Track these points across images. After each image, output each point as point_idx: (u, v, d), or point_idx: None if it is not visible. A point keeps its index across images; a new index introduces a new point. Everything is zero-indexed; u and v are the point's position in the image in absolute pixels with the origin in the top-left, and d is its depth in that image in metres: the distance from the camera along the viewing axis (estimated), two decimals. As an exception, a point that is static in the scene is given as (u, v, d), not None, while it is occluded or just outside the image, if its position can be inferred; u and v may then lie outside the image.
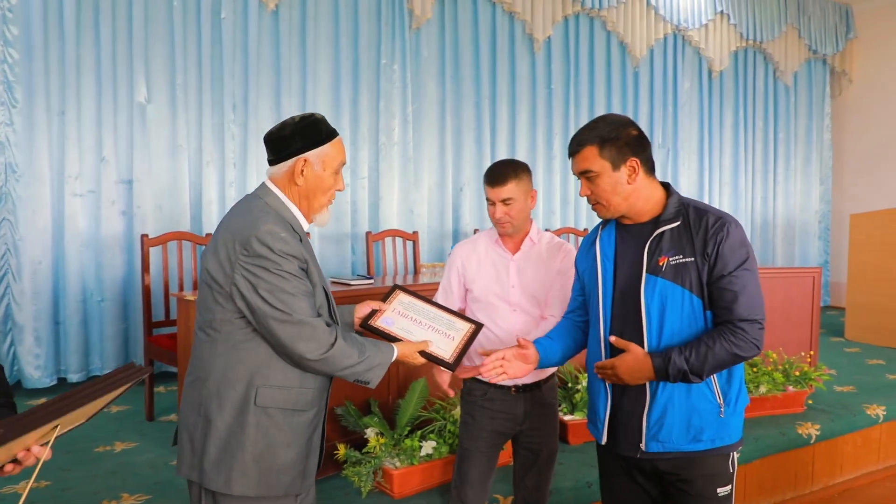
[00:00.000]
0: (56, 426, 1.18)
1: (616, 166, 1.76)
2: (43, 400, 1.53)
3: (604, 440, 1.86)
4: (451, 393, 2.26)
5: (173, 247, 4.17)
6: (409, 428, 2.97)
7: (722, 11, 7.40)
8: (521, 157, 6.24)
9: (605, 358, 1.82)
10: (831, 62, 8.46)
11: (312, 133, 1.75)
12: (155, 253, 4.18)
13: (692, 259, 1.72)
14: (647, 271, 1.75)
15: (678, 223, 1.76)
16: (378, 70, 5.47)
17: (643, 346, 1.74)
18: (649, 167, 1.81)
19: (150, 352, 3.87)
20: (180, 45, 4.64)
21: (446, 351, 1.95)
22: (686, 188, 7.36)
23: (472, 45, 5.94)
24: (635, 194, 1.78)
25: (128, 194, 4.55)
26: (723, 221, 1.73)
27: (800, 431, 3.72)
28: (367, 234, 5.05)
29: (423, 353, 1.89)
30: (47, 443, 1.21)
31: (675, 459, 1.77)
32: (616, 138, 1.76)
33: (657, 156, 7.16)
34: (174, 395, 4.29)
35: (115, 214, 4.50)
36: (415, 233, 5.32)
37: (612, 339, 1.78)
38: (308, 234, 1.90)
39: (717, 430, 1.76)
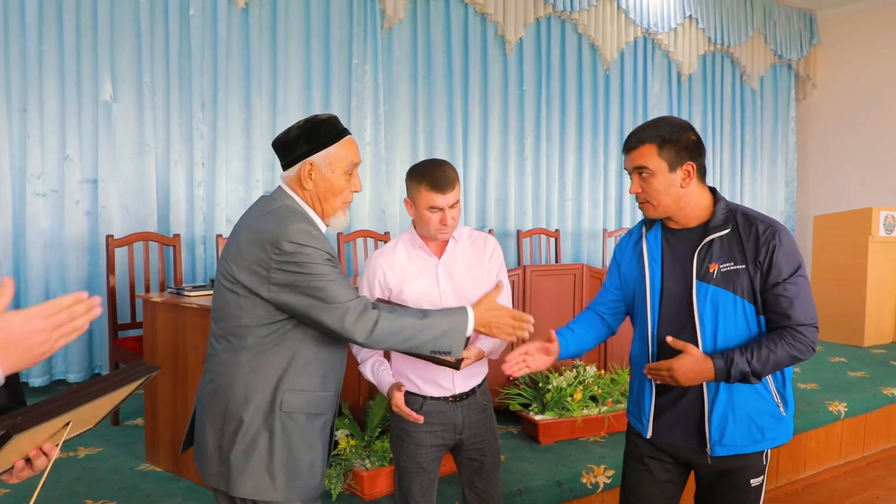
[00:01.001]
0: (68, 424, 1.16)
1: (673, 168, 1.78)
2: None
3: (649, 434, 1.90)
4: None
5: (139, 248, 4.10)
6: (379, 429, 2.95)
7: (691, 16, 7.51)
8: (493, 157, 6.27)
9: (653, 357, 1.86)
10: (796, 67, 8.63)
11: (316, 135, 1.74)
12: (120, 254, 4.11)
13: (743, 266, 1.76)
14: (697, 278, 1.78)
15: (728, 230, 1.79)
16: (350, 70, 5.45)
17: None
18: (702, 173, 1.84)
19: (116, 355, 3.80)
20: (147, 42, 4.57)
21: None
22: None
23: (444, 46, 5.95)
24: (686, 198, 1.81)
25: (92, 194, 4.46)
26: (773, 229, 1.77)
27: (765, 429, 3.78)
28: (339, 234, 5.02)
29: (427, 357, 1.86)
30: (58, 443, 1.19)
31: (730, 458, 1.83)
32: (676, 140, 1.78)
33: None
34: (140, 398, 4.20)
35: (80, 214, 4.41)
36: (386, 233, 5.31)
37: (670, 339, 1.79)
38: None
39: (777, 429, 1.83)
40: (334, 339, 1.71)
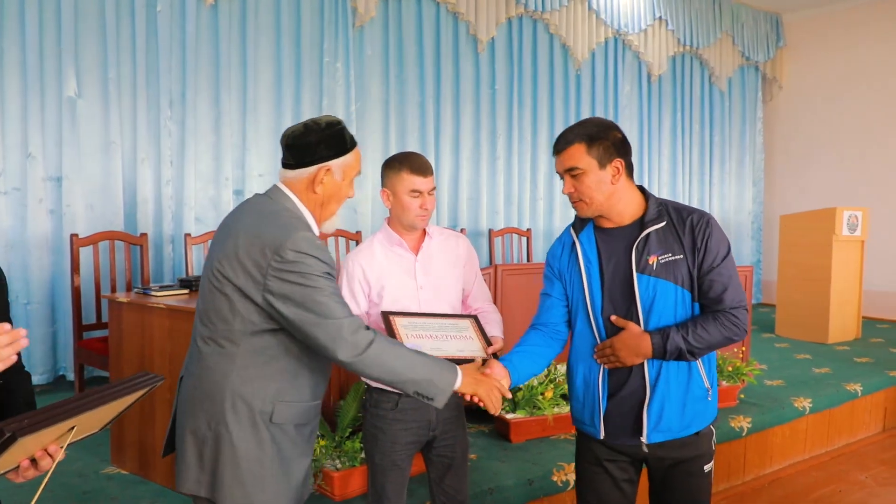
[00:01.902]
0: (72, 428, 1.18)
1: (602, 165, 1.83)
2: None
3: (602, 435, 1.92)
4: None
5: (105, 247, 4.03)
6: (350, 430, 2.93)
7: (660, 17, 7.59)
8: (465, 156, 6.28)
9: (596, 355, 1.90)
10: (763, 69, 8.78)
11: (339, 142, 1.74)
12: (85, 253, 4.03)
13: (681, 256, 1.83)
14: (637, 270, 1.83)
15: (663, 223, 1.85)
16: (321, 68, 5.41)
17: None
18: (630, 171, 1.90)
19: (81, 356, 3.73)
20: (113, 37, 4.48)
21: (477, 350, 1.98)
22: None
23: (415, 45, 5.94)
24: (616, 195, 1.86)
25: (56, 192, 4.37)
26: (705, 218, 1.86)
27: (732, 424, 3.84)
28: (309, 233, 4.98)
29: (456, 361, 1.87)
30: (62, 447, 1.21)
31: (671, 445, 1.89)
32: (604, 138, 1.83)
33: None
34: (107, 400, 4.14)
35: (43, 213, 4.31)
36: (358, 232, 5.28)
37: (613, 317, 1.85)
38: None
39: (704, 412, 1.91)
40: (321, 354, 1.65)
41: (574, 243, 1.95)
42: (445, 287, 2.16)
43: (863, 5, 8.12)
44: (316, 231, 1.76)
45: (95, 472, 3.08)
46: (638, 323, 1.83)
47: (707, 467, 1.94)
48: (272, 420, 1.65)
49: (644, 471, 2.02)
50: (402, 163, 2.09)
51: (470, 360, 1.90)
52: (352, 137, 1.78)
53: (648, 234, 1.84)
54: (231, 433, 1.63)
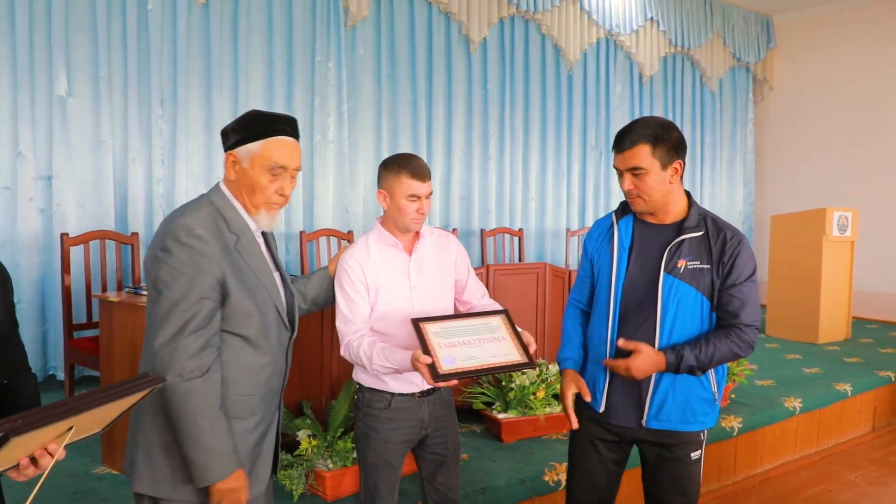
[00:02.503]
0: (71, 428, 1.18)
1: (664, 166, 1.90)
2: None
3: (602, 408, 2.02)
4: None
5: (96, 246, 4.01)
6: (341, 429, 2.93)
7: (652, 18, 7.62)
8: (457, 157, 6.28)
9: (612, 338, 1.98)
10: (754, 70, 8.82)
11: (244, 129, 1.70)
12: (76, 252, 4.00)
13: (708, 266, 1.92)
14: (665, 270, 1.92)
15: (701, 233, 1.95)
16: (313, 67, 5.40)
17: (654, 337, 1.92)
18: (683, 172, 1.97)
19: (71, 356, 3.71)
20: (104, 36, 4.46)
21: (512, 354, 1.96)
22: (617, 190, 7.54)
23: (408, 45, 5.93)
24: (671, 195, 1.94)
25: (47, 191, 4.34)
26: (738, 237, 1.95)
27: (723, 425, 3.85)
28: (301, 233, 4.97)
29: (492, 370, 1.92)
30: (61, 445, 1.22)
31: (666, 434, 2.00)
32: (667, 140, 1.89)
33: (590, 158, 7.31)
34: (97, 400, 4.11)
35: (33, 212, 4.29)
36: (350, 232, 5.28)
37: (621, 342, 1.91)
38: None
39: (707, 414, 2.01)
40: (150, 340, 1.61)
41: (613, 226, 2.05)
42: (438, 287, 2.17)
43: (853, 7, 8.17)
44: (248, 221, 1.72)
45: (86, 472, 3.06)
46: (654, 322, 1.92)
47: (695, 455, 2.03)
48: None
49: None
50: (401, 166, 2.06)
51: (509, 368, 1.92)
52: (266, 129, 1.70)
53: (683, 240, 1.93)
54: (142, 422, 1.67)
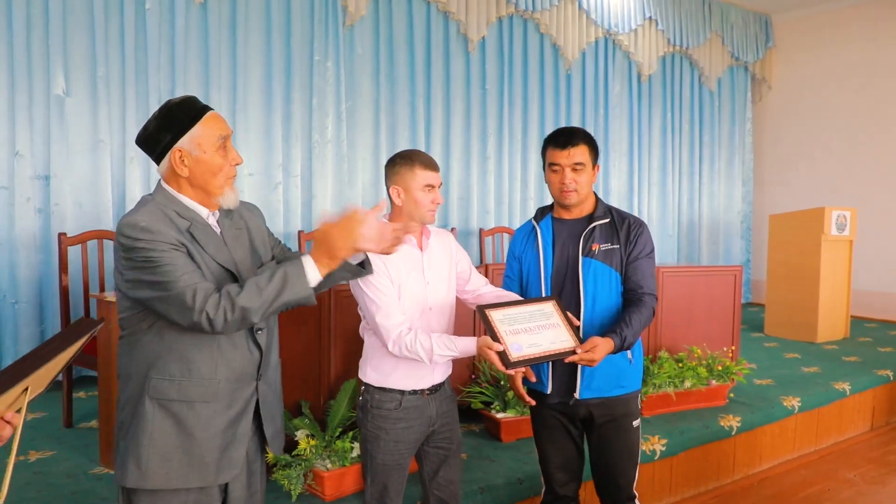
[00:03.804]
0: (26, 389, 1.17)
1: (593, 166, 2.32)
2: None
3: (549, 389, 2.33)
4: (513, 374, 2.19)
5: (93, 246, 4.00)
6: (340, 429, 2.93)
7: (651, 17, 7.61)
8: (455, 156, 6.27)
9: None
10: (752, 69, 8.82)
11: (173, 121, 1.68)
12: (74, 252, 3.99)
13: (618, 246, 2.31)
14: (583, 255, 2.29)
15: (608, 220, 2.34)
16: (311, 67, 5.39)
17: (580, 311, 2.25)
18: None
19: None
20: (101, 35, 4.45)
21: (567, 340, 2.10)
22: (616, 189, 7.54)
23: (406, 44, 5.93)
24: (590, 190, 2.35)
25: (44, 191, 4.34)
26: (639, 222, 2.36)
27: (722, 424, 3.85)
28: (300, 233, 4.97)
29: (552, 356, 2.04)
30: (19, 410, 1.20)
31: (603, 402, 2.32)
32: (595, 145, 2.33)
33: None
34: (94, 400, 4.11)
35: (31, 212, 4.28)
36: (349, 232, 5.26)
37: (576, 357, 2.11)
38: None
39: (630, 378, 2.36)
40: (192, 330, 1.62)
41: (535, 229, 2.41)
42: (447, 281, 2.23)
43: (851, 6, 8.17)
44: (203, 212, 1.72)
45: (84, 472, 3.05)
46: (579, 300, 2.26)
47: (636, 423, 2.37)
48: (149, 395, 1.65)
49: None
50: (412, 159, 2.13)
51: (566, 354, 2.06)
52: (194, 110, 1.68)
53: (594, 227, 2.31)
54: (120, 412, 1.71)
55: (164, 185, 1.73)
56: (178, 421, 1.67)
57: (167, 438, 1.66)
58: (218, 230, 1.76)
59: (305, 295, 1.65)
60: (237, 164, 1.74)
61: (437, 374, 2.17)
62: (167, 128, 1.67)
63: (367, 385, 2.17)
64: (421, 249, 2.18)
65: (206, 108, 1.71)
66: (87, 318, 1.33)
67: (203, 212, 1.73)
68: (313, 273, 1.66)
